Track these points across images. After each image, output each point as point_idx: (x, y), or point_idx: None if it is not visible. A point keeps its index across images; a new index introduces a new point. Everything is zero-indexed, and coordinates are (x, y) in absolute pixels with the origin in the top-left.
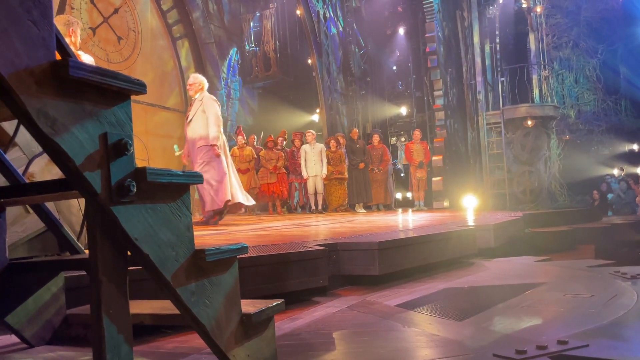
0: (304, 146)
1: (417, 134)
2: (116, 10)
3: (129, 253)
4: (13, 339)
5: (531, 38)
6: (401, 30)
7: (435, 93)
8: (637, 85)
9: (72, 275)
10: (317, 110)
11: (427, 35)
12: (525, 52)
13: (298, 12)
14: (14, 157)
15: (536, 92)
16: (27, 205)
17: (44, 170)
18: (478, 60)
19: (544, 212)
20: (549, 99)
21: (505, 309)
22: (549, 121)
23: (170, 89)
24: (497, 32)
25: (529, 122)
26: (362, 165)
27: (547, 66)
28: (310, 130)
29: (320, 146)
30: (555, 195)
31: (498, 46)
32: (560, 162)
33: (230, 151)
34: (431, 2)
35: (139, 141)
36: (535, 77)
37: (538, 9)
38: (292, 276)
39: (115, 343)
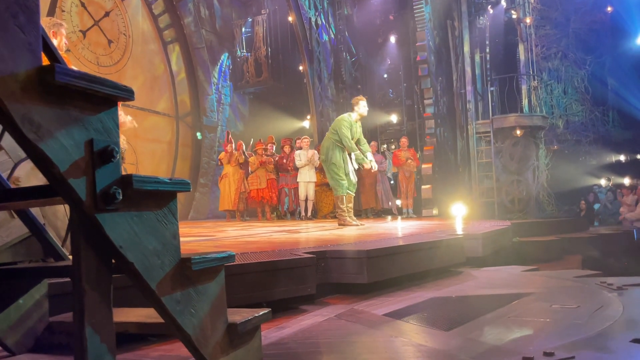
0: (298, 151)
1: (404, 141)
2: (107, 14)
3: (113, 261)
4: None
5: (521, 48)
6: (392, 39)
7: (426, 101)
8: (624, 96)
9: (56, 282)
10: (308, 117)
11: (418, 44)
12: (514, 62)
13: (290, 18)
14: None
15: (525, 102)
16: (12, 210)
17: (30, 174)
18: (468, 69)
19: (532, 221)
20: (537, 109)
21: (493, 319)
22: (538, 131)
23: (160, 93)
24: (487, 42)
25: (518, 132)
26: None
27: (536, 76)
28: (306, 136)
29: (313, 151)
30: (543, 204)
31: (488, 56)
32: (549, 171)
33: (218, 156)
34: (422, 11)
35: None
36: (524, 87)
37: (527, 20)
38: (279, 284)
39: (97, 353)
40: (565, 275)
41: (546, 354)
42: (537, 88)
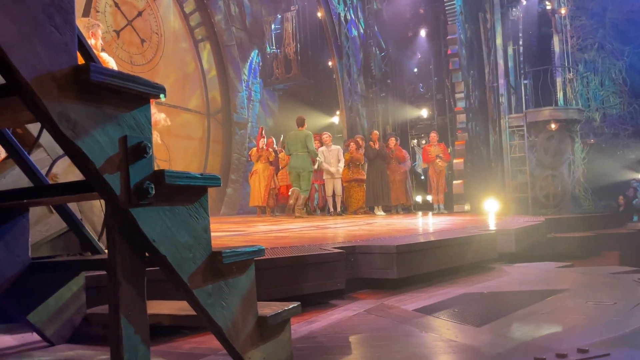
0: (320, 148)
1: (433, 135)
2: (140, 13)
3: (147, 254)
4: (34, 337)
5: (555, 40)
6: (422, 32)
7: (457, 95)
8: None
9: (93, 275)
10: (337, 112)
11: (449, 37)
12: (549, 54)
13: (319, 14)
14: (38, 158)
15: (560, 95)
16: (50, 206)
17: (67, 171)
18: (501, 62)
19: (567, 217)
20: (573, 102)
21: (525, 316)
22: (573, 124)
23: (192, 91)
24: (520, 34)
25: (553, 126)
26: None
27: (571, 68)
28: (326, 132)
29: (337, 148)
30: (579, 200)
31: (521, 48)
32: (585, 166)
33: (249, 152)
34: (453, 4)
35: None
36: (559, 80)
37: (562, 11)
38: (309, 279)
39: (132, 343)
40: (602, 272)
41: (580, 350)
42: (572, 80)
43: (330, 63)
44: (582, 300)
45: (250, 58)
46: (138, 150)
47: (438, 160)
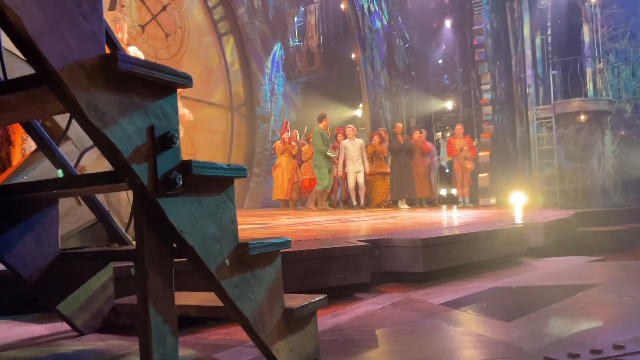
0: (343, 142)
1: (459, 128)
2: (164, 8)
3: (174, 245)
4: (64, 326)
5: (585, 29)
6: (447, 23)
7: (483, 87)
8: None
9: (121, 266)
10: (361, 105)
11: (474, 27)
12: (578, 44)
13: (342, 6)
14: (66, 150)
15: (590, 85)
16: (79, 198)
17: (95, 163)
18: (528, 52)
19: (598, 210)
20: (603, 92)
21: (556, 311)
22: (604, 116)
23: (215, 85)
24: (548, 24)
25: (582, 117)
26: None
27: (602, 58)
28: (350, 125)
29: (360, 141)
30: (609, 193)
31: (550, 38)
32: (615, 158)
33: (273, 145)
34: None
35: (185, 136)
36: (589, 70)
37: (593, 0)
38: (334, 272)
39: (160, 333)
40: (635, 266)
41: (616, 346)
42: (602, 71)
43: (353, 55)
44: (615, 295)
45: (273, 51)
46: (165, 140)
47: (466, 162)
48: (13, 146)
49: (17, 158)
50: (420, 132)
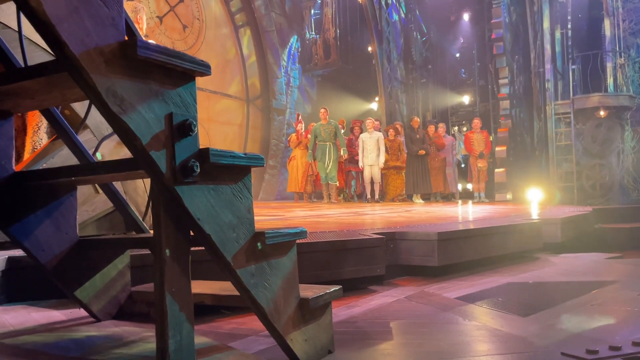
0: (362, 135)
1: (476, 122)
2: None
3: (191, 233)
4: (81, 312)
5: (606, 23)
6: (466, 16)
7: (501, 81)
8: None
9: (137, 254)
10: (377, 99)
11: (493, 21)
12: (599, 38)
13: None
14: (84, 139)
15: (610, 80)
16: (97, 186)
17: (113, 152)
18: (547, 46)
19: (616, 207)
20: (624, 88)
21: (574, 307)
22: (624, 112)
23: (232, 77)
24: (569, 17)
25: (602, 113)
26: (422, 151)
27: (623, 53)
28: (370, 118)
29: (378, 134)
30: (628, 190)
31: (570, 32)
32: (635, 155)
33: (288, 138)
34: None
35: (201, 127)
36: (609, 65)
37: None
38: (348, 264)
39: (177, 321)
40: None
41: (635, 343)
42: (623, 66)
43: (370, 48)
44: (634, 293)
45: (290, 44)
46: (184, 128)
47: (480, 161)
48: (28, 136)
49: (27, 150)
50: (436, 128)
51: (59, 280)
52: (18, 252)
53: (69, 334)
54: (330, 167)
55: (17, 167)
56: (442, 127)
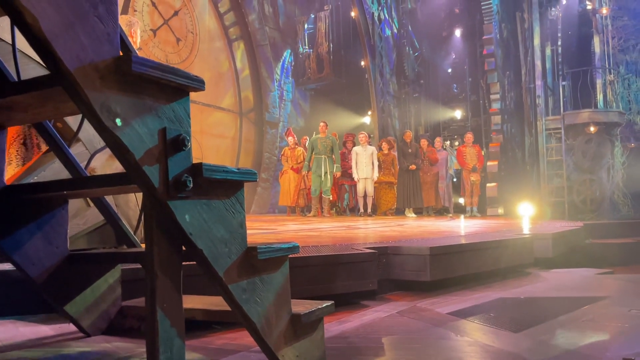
0: (355, 148)
1: (469, 136)
2: (176, 13)
3: (183, 248)
4: (71, 327)
5: (596, 40)
6: (457, 32)
7: (492, 96)
8: None
9: (128, 268)
10: (369, 113)
11: (484, 37)
12: (589, 55)
13: (352, 13)
14: (77, 152)
15: (600, 97)
16: (88, 199)
17: (105, 165)
18: (538, 63)
19: (607, 222)
20: (613, 104)
21: (565, 323)
22: (613, 128)
23: (225, 90)
24: (559, 34)
25: (592, 128)
26: (413, 166)
27: (612, 70)
28: (363, 132)
29: (372, 149)
30: (618, 205)
31: (560, 49)
32: (625, 170)
33: (282, 152)
34: (490, 3)
35: (194, 140)
36: (599, 82)
37: (604, 11)
38: (341, 278)
39: (168, 336)
40: None
41: None
42: (613, 82)
43: (362, 63)
44: (624, 309)
45: (283, 58)
46: (177, 143)
47: (472, 174)
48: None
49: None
50: (432, 143)
51: (48, 294)
52: (7, 266)
53: (59, 349)
54: (325, 179)
55: (7, 180)
56: (437, 141)
